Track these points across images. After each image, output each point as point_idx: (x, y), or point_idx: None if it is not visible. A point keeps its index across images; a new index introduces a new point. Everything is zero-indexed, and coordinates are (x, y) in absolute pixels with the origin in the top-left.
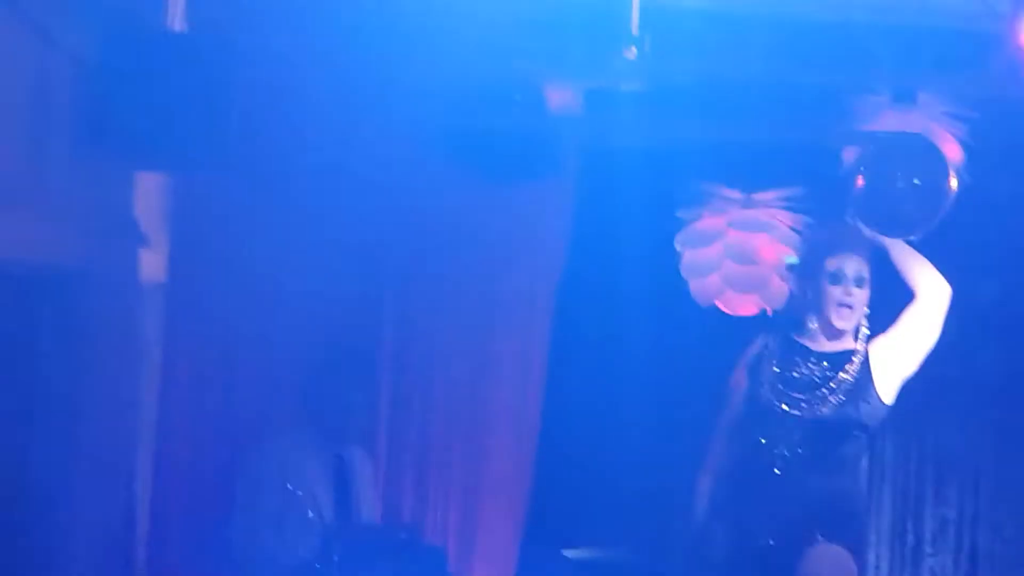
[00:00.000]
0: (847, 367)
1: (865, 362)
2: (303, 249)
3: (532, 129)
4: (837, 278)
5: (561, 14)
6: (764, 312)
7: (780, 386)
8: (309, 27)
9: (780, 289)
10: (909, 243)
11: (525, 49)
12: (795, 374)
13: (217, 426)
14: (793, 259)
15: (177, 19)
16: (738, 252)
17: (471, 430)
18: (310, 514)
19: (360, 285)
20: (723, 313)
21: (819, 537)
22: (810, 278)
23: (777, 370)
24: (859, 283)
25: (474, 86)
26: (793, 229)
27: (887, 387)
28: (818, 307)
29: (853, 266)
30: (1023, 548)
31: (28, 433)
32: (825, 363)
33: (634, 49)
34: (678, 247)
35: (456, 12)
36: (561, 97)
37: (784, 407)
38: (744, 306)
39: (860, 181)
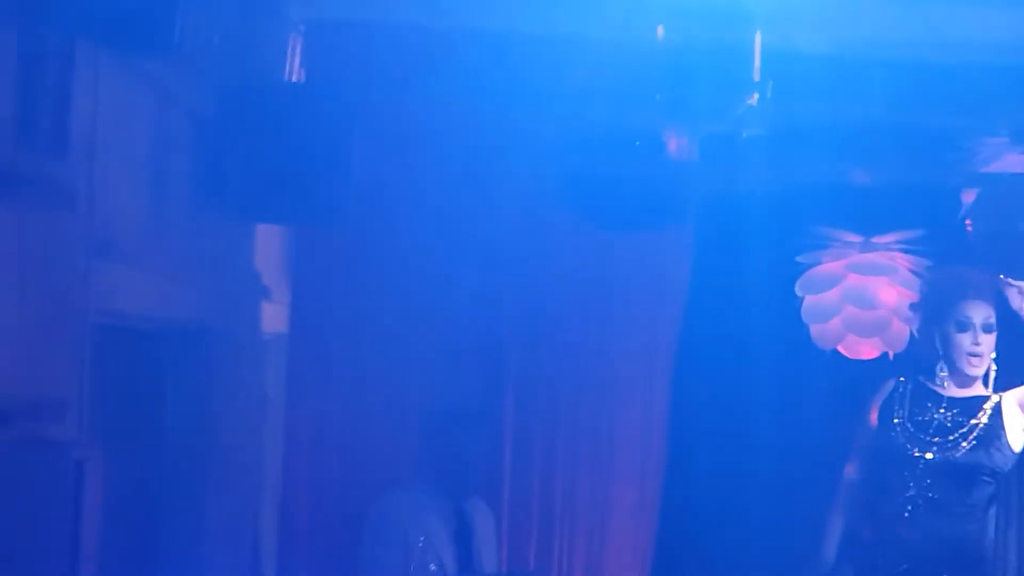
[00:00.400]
0: (978, 414)
1: (997, 410)
2: (423, 301)
3: (654, 175)
4: (965, 326)
5: (682, 60)
6: (885, 355)
7: (912, 429)
8: (428, 78)
9: (901, 332)
10: None
11: (647, 96)
12: (925, 418)
13: (340, 479)
14: (915, 302)
15: (295, 73)
16: (858, 296)
17: (594, 481)
18: (432, 567)
19: (481, 337)
20: (844, 357)
21: None
22: (936, 324)
23: (908, 414)
24: (987, 329)
25: (596, 133)
26: (913, 272)
27: (1018, 436)
28: (947, 354)
29: (980, 312)
30: None
31: (152, 490)
32: (956, 409)
33: (756, 95)
34: (798, 292)
35: (577, 61)
36: (683, 143)
37: (915, 451)
38: (865, 350)
39: (981, 223)
